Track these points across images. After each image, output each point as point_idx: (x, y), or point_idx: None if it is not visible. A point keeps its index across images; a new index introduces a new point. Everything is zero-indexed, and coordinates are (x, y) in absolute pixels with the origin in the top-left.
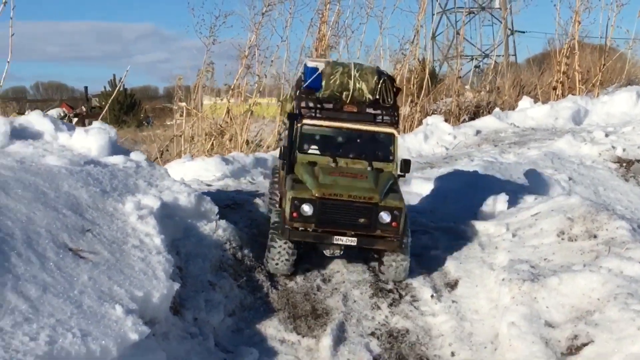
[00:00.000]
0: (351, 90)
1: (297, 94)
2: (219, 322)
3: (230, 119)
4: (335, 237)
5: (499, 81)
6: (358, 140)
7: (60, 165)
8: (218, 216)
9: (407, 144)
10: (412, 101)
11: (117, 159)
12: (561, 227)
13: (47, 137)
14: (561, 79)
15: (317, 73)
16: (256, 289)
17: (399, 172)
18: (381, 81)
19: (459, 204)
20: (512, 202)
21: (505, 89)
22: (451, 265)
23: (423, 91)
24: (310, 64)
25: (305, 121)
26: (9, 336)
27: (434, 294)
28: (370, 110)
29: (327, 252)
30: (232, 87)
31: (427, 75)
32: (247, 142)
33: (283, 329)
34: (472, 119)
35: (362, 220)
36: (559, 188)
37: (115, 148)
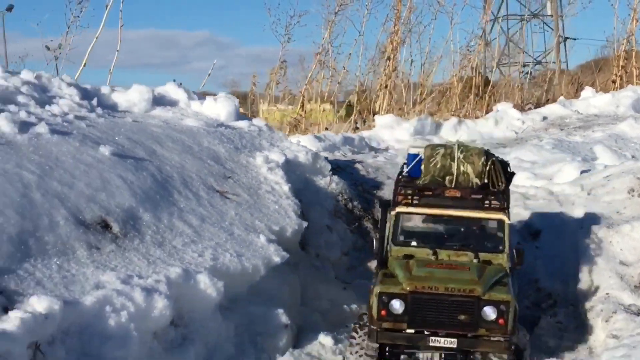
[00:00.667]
0: (455, 175)
1: (395, 182)
2: (336, 259)
3: (305, 112)
4: (431, 338)
5: (555, 80)
6: (462, 229)
7: (198, 126)
8: (331, 172)
9: (479, 128)
10: (476, 94)
11: (242, 124)
12: (631, 186)
13: (182, 104)
14: (620, 73)
15: (417, 158)
16: (365, 234)
17: (510, 264)
18: (489, 162)
19: (535, 172)
20: (583, 170)
21: (562, 87)
22: (534, 219)
23: (489, 86)
24: (413, 151)
25: (399, 209)
26: (181, 252)
27: (520, 242)
28: (475, 195)
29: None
30: (307, 81)
31: (494, 69)
32: (326, 129)
33: None
34: (536, 107)
35: (462, 317)
36: (624, 159)
37: (239, 115)
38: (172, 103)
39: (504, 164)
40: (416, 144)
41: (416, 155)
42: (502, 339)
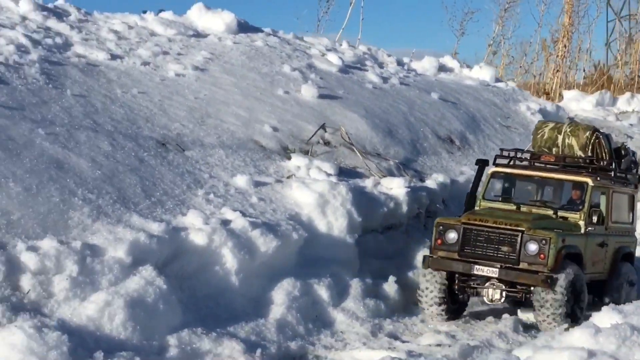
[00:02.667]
0: (560, 147)
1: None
2: None
3: None
4: (475, 267)
5: None
6: (548, 189)
7: (475, 85)
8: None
9: None
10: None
11: (501, 84)
12: None
13: (456, 70)
14: None
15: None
16: None
17: (590, 223)
18: (594, 137)
19: None
20: None
21: None
22: None
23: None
24: None
25: (495, 169)
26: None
27: None
28: (567, 161)
29: (485, 299)
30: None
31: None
32: None
33: None
34: None
35: (506, 249)
36: None
37: (497, 78)
38: (450, 70)
39: (623, 149)
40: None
41: None
42: (540, 273)
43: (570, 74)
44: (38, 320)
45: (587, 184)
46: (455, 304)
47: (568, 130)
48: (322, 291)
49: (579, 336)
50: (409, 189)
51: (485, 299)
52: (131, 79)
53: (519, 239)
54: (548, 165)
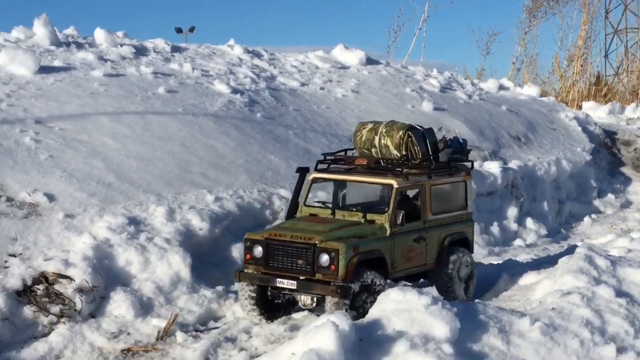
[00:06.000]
0: (378, 148)
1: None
2: (604, 165)
3: None
4: (277, 280)
5: None
6: (359, 193)
7: (526, 100)
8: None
9: None
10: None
11: (544, 98)
12: None
13: (511, 89)
14: None
15: None
16: (614, 154)
17: (395, 224)
18: (406, 136)
19: None
20: None
21: None
22: None
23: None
24: None
25: (314, 175)
26: (550, 152)
27: None
28: (378, 164)
29: (300, 304)
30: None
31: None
32: None
33: None
34: None
35: (301, 262)
36: None
37: (540, 94)
38: (507, 88)
39: (442, 142)
40: None
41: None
42: (332, 283)
43: (584, 87)
44: None
45: (392, 186)
46: (273, 308)
47: (384, 130)
48: None
49: (622, 242)
50: (502, 169)
51: (300, 304)
52: (317, 99)
53: (312, 252)
54: (367, 168)
